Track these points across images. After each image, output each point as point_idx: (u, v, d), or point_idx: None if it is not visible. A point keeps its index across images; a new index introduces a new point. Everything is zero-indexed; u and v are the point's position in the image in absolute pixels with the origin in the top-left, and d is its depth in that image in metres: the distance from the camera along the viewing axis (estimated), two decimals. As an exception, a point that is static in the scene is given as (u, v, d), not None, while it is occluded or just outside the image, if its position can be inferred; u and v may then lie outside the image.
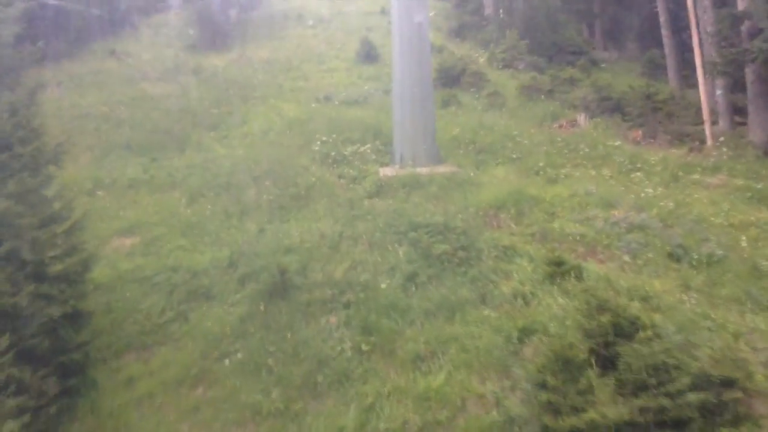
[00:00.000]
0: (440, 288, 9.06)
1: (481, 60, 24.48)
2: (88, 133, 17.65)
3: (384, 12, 37.05)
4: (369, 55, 25.02)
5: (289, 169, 13.50)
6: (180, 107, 19.38)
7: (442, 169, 13.23)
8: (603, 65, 25.92)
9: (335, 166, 14.11)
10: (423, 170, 13.02)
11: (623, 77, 25.76)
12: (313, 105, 18.89)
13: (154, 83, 22.30)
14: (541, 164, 13.65)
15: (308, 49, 28.01)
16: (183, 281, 10.00)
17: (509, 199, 11.35)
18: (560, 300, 8.45)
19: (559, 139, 15.85)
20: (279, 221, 11.47)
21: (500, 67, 23.70)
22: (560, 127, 17.56)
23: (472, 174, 13.09)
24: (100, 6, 30.04)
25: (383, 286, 8.95)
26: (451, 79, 20.49)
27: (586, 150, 14.75)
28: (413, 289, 9.12)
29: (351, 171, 13.50)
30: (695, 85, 23.12)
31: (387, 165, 14.15)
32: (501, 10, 28.54)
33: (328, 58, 25.87)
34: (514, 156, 14.55)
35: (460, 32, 30.85)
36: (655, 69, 25.97)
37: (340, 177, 13.48)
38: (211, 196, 13.04)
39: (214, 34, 29.32)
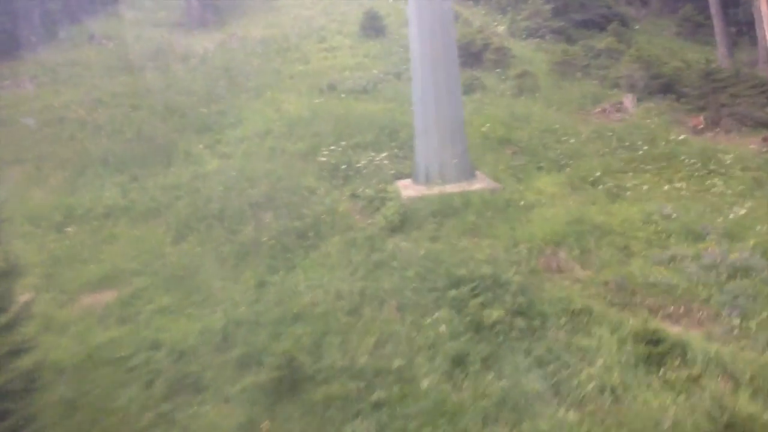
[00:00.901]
0: (499, 376, 6.93)
1: (501, 29, 21.74)
2: (62, 144, 15.39)
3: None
4: (374, 28, 22.36)
5: (292, 193, 11.25)
6: (165, 105, 17.03)
7: (477, 185, 10.94)
8: (636, 27, 23.12)
9: (347, 183, 11.85)
10: (453, 188, 10.74)
11: (658, 40, 23.03)
12: (316, 99, 16.45)
13: (137, 75, 19.85)
14: (597, 172, 11.30)
15: (306, 22, 25.30)
16: (166, 365, 7.91)
17: (569, 231, 9.10)
18: (663, 397, 6.32)
19: (609, 132, 13.47)
20: (283, 269, 9.29)
21: (524, 37, 21.02)
22: (604, 112, 15.13)
23: (514, 191, 10.81)
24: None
25: (425, 384, 6.80)
26: (472, 57, 17.89)
27: (645, 148, 12.38)
28: (462, 378, 6.99)
29: (367, 190, 11.21)
30: (750, 51, 20.43)
31: (408, 179, 11.88)
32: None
33: (329, 33, 23.21)
34: (561, 159, 12.21)
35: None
36: (696, 30, 23.17)
37: (353, 198, 11.22)
38: (201, 230, 10.84)
39: (203, 10, 26.60)
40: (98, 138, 15.22)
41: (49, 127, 16.25)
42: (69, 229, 11.49)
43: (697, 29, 22.83)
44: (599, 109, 15.17)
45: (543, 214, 9.74)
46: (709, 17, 21.45)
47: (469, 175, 11.28)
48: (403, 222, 9.91)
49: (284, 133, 14.57)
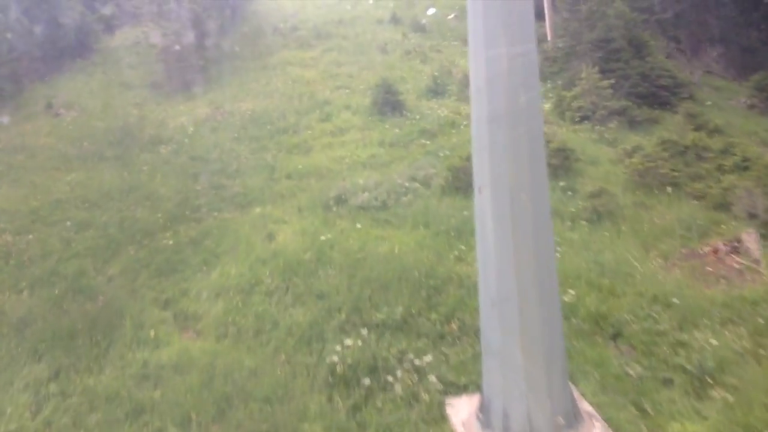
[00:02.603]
0: None
1: (546, 107, 17.67)
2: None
3: (396, 20, 30.13)
4: (389, 103, 18.31)
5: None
6: (122, 223, 12.87)
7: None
8: (708, 103, 19.12)
9: (368, 410, 7.59)
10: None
11: (735, 118, 19.01)
12: (321, 224, 12.24)
13: (94, 169, 15.72)
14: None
15: (307, 87, 21.30)
16: None
17: None
18: None
19: (745, 305, 9.28)
20: None
21: (576, 120, 16.98)
22: (716, 255, 10.98)
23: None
24: (36, 39, 23.18)
25: None
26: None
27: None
28: None
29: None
30: None
31: (468, 399, 7.64)
32: (563, 31, 21.74)
33: (334, 108, 19.15)
34: (698, 371, 7.95)
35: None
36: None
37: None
38: None
39: (185, 70, 22.56)
40: (19, 287, 10.96)
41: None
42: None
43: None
44: (710, 249, 11.04)
45: None
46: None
47: (573, 419, 7.02)
48: None
49: (278, 287, 10.36)
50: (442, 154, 14.57)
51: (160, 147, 16.80)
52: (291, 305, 9.89)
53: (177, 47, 23.07)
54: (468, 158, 13.22)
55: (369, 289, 9.90)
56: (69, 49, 24.91)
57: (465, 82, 20.51)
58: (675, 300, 9.26)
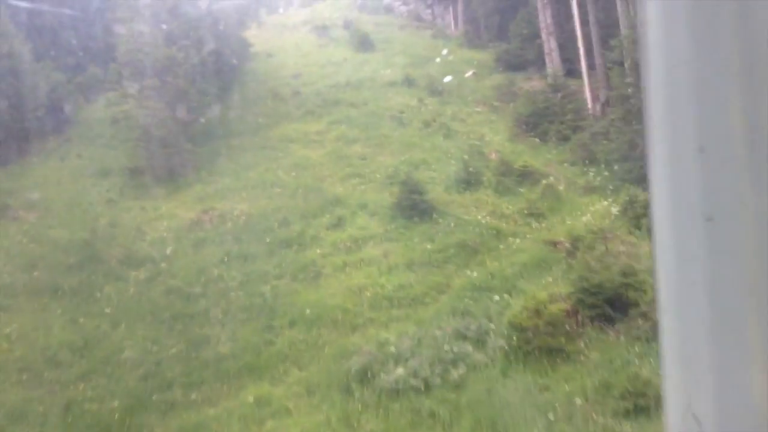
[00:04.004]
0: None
1: (613, 212, 14.06)
2: None
3: (409, 82, 26.88)
4: (414, 203, 14.91)
5: None
6: (60, 420, 9.28)
7: None
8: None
9: None
10: None
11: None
12: (335, 413, 8.62)
13: (42, 311, 12.21)
14: None
15: (312, 175, 17.97)
16: None
17: None
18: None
19: None
20: None
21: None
22: None
23: None
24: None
25: None
26: (612, 304, 10.13)
27: None
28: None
29: None
30: None
31: None
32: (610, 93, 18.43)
33: (348, 207, 15.73)
34: None
35: (534, 124, 20.62)
36: None
37: None
38: None
39: (169, 156, 19.28)
40: None
41: None
42: None
43: None
44: None
45: None
46: None
47: None
48: None
49: None
50: (497, 298, 11.00)
51: (132, 272, 13.33)
52: None
53: (161, 124, 19.75)
54: (537, 312, 9.73)
55: None
56: (39, 126, 21.70)
57: (502, 169, 17.16)
58: None
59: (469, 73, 28.96)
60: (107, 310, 12.01)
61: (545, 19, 26.05)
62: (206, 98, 22.41)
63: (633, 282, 10.53)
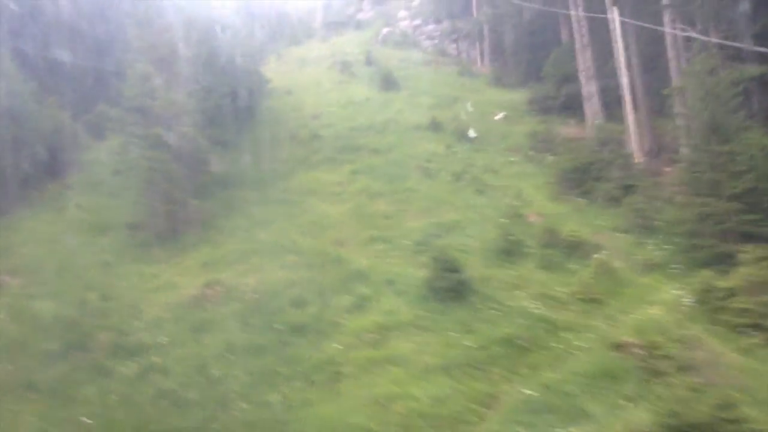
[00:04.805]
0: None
1: (686, 302, 11.85)
2: None
3: (435, 126, 24.83)
4: (449, 282, 12.88)
5: None
6: None
7: None
8: None
9: None
10: None
11: None
12: None
13: (6, 421, 10.27)
14: None
15: (331, 239, 16.05)
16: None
17: None
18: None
19: None
20: None
21: (740, 329, 11.17)
22: None
23: None
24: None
25: None
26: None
27: None
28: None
29: None
30: None
31: None
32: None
33: (372, 284, 13.71)
34: None
35: (578, 181, 18.44)
36: None
37: None
38: None
39: (173, 214, 17.44)
40: None
41: None
42: None
43: None
44: None
45: None
46: None
47: None
48: None
49: None
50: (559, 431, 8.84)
51: (122, 366, 11.38)
52: None
53: (166, 174, 17.84)
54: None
55: None
56: (38, 171, 20.05)
57: (547, 238, 15.07)
58: None
59: (499, 116, 26.99)
60: (85, 419, 10.02)
61: (584, 61, 24.12)
62: (217, 146, 20.69)
63: (730, 418, 8.31)
